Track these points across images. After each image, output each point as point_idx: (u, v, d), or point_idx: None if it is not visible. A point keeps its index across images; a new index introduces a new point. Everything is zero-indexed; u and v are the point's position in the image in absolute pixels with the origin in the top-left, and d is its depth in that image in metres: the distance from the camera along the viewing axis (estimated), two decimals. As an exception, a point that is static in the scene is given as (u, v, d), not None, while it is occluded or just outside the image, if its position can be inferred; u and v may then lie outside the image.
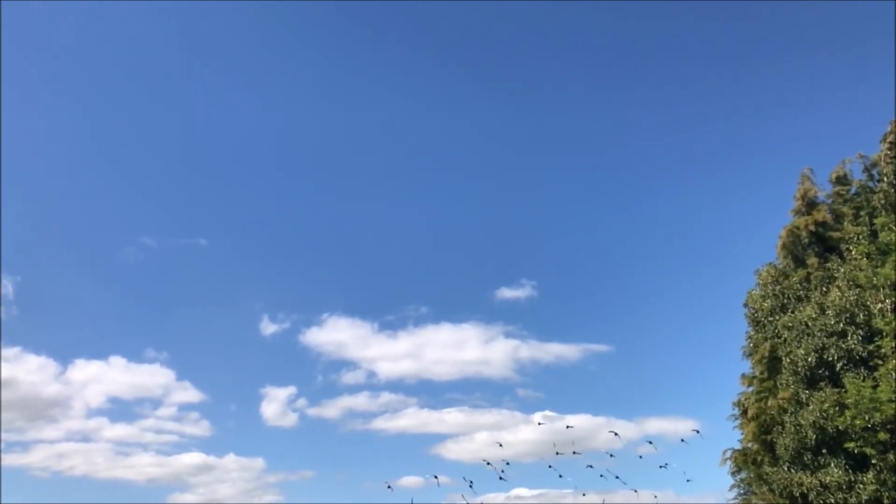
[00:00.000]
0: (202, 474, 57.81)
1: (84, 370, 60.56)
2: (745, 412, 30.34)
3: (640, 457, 30.42)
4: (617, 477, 30.57)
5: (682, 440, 31.41)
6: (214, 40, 76.13)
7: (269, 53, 77.37)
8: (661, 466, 29.16)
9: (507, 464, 23.56)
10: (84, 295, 70.33)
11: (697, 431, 29.78)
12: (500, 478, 19.72)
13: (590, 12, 75.66)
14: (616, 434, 27.92)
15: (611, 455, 28.70)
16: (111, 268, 69.53)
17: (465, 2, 73.90)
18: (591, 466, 29.24)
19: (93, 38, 72.60)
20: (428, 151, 78.06)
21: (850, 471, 25.02)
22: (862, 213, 28.93)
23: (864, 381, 24.75)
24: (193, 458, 58.00)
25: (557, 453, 27.55)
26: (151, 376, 60.84)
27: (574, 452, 27.67)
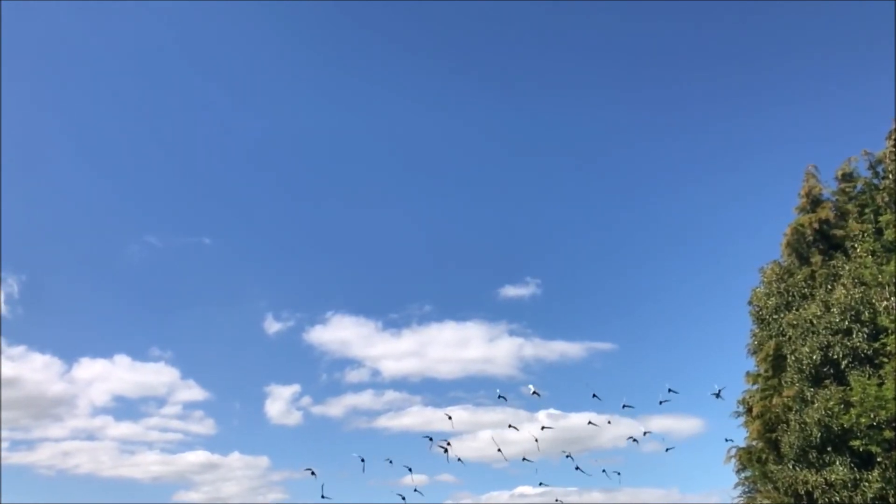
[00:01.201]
0: (207, 473, 57.97)
1: (89, 369, 60.78)
2: (749, 410, 30.29)
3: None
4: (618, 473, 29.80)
5: (660, 402, 29.62)
6: (219, 40, 76.21)
7: (274, 54, 77.44)
8: (633, 440, 28.09)
9: (448, 442, 22.19)
10: (89, 294, 70.53)
11: (674, 391, 27.98)
12: (444, 449, 19.20)
13: (594, 13, 75.53)
14: (596, 396, 26.69)
15: (590, 423, 27.31)
16: (116, 267, 69.72)
17: (472, 2, 73.87)
18: (578, 468, 28.33)
19: (96, 37, 72.72)
20: (432, 151, 78.06)
21: (855, 469, 24.95)
22: (867, 210, 28.85)
23: (869, 378, 24.68)
24: (198, 456, 58.14)
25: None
26: (156, 375, 60.98)
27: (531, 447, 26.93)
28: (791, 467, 26.71)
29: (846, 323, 26.15)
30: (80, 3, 69.28)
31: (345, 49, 76.98)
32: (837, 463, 25.32)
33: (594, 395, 24.51)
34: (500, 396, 20.34)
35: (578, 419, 52.35)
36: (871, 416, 23.93)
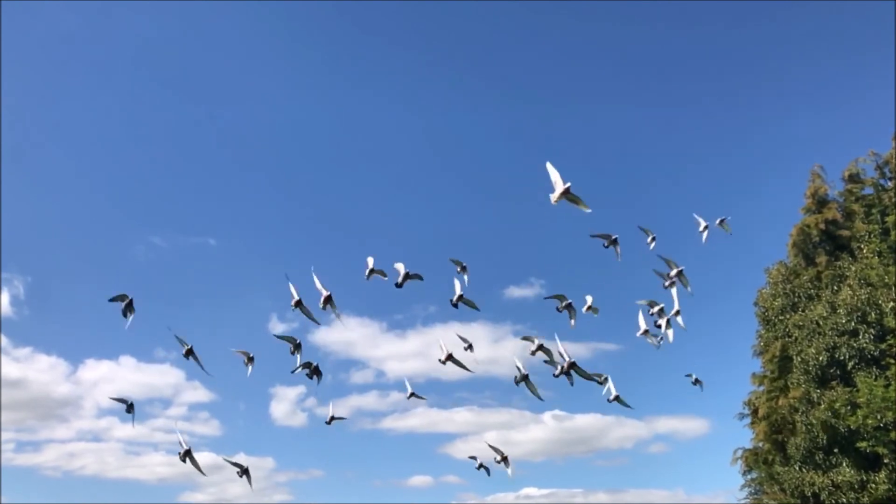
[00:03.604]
0: (212, 474, 57.57)
1: (95, 370, 60.68)
2: (755, 411, 30.22)
3: None
4: None
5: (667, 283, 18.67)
6: (223, 42, 76.33)
7: (279, 56, 77.50)
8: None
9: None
10: (94, 295, 70.49)
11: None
12: (412, 394, 15.99)
13: (596, 15, 75.40)
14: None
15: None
16: (121, 268, 69.51)
17: (484, 3, 73.84)
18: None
19: (99, 36, 72.89)
20: (436, 150, 77.90)
21: (861, 470, 24.89)
22: (873, 210, 28.76)
23: (875, 380, 24.61)
24: (203, 457, 57.51)
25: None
26: (161, 376, 60.88)
27: None
28: (797, 469, 26.63)
29: (852, 324, 26.08)
30: (81, 4, 69.49)
31: (350, 50, 77.03)
32: (844, 464, 25.25)
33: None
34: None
35: (584, 420, 52.32)
36: (878, 417, 23.86)
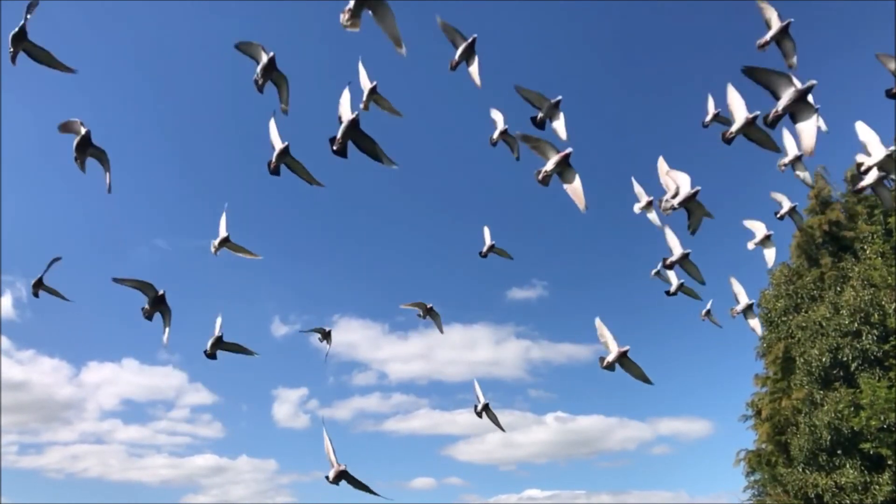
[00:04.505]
0: (215, 476, 58.00)
1: (97, 372, 60.82)
2: (758, 413, 30.19)
3: None
4: None
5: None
6: (222, 40, 76.51)
7: (278, 52, 77.63)
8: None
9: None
10: (97, 298, 70.74)
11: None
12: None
13: (591, 11, 75.47)
14: None
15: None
16: (124, 270, 69.83)
17: (491, 2, 73.91)
18: None
19: (100, 36, 73.11)
20: (437, 150, 78.06)
21: (865, 472, 24.82)
22: (876, 211, 28.72)
23: (879, 381, 24.57)
24: (206, 459, 58.09)
25: None
26: (164, 378, 60.97)
27: None
28: (801, 470, 26.59)
29: (856, 325, 26.01)
30: (81, 3, 69.70)
31: (353, 50, 77.19)
32: (847, 466, 25.19)
33: None
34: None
35: (586, 422, 52.32)
36: (881, 418, 23.81)
